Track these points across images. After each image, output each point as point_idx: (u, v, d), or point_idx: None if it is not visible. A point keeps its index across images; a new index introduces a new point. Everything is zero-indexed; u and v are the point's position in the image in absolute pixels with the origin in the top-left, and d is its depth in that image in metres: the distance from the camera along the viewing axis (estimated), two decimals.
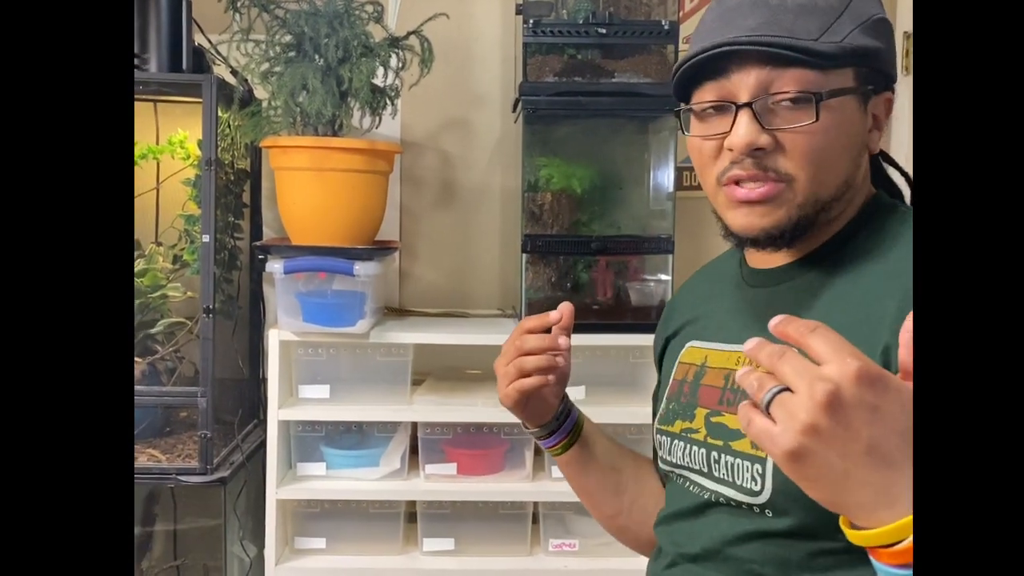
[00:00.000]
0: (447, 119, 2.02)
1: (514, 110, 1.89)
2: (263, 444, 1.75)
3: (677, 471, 0.90)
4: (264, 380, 1.85)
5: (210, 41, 1.79)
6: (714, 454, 0.83)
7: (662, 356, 1.00)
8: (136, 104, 1.86)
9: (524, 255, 1.74)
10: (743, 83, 0.78)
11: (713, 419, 0.84)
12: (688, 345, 0.93)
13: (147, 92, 1.77)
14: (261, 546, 1.75)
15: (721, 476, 0.82)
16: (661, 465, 0.93)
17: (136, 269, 1.73)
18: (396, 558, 1.72)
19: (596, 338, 1.67)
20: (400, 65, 1.73)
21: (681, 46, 1.83)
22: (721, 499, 0.82)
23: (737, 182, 0.80)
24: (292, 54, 1.65)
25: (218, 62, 1.78)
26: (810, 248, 0.84)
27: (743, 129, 0.77)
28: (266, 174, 1.92)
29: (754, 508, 0.79)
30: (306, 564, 1.71)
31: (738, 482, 0.80)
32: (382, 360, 1.73)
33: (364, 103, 1.67)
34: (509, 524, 1.74)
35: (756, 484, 0.78)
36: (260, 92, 1.73)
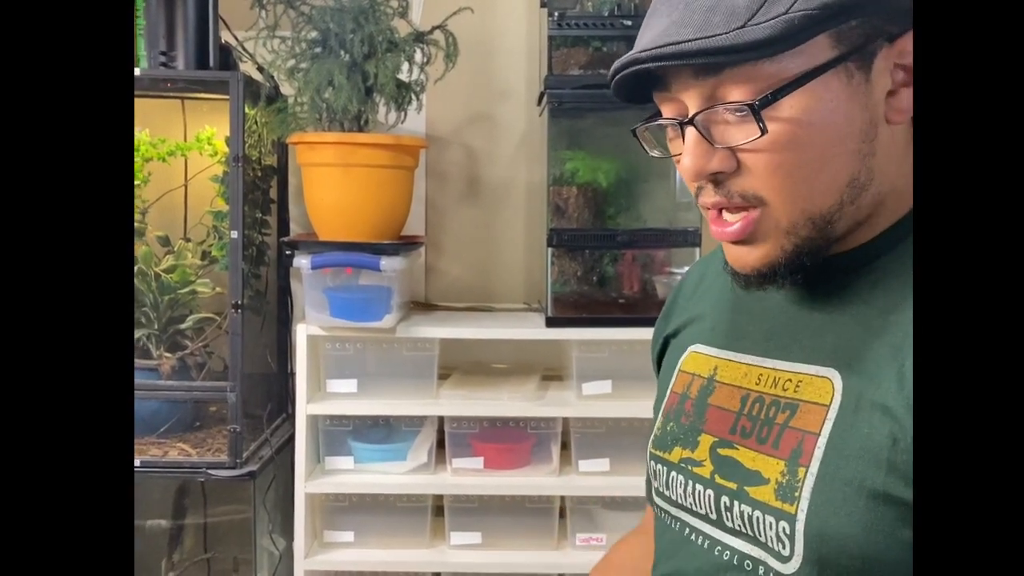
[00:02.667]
0: (472, 113, 2.02)
1: (539, 104, 1.88)
2: (292, 438, 1.77)
3: (676, 512, 0.72)
4: (292, 375, 1.87)
5: (237, 38, 1.80)
6: (725, 499, 0.66)
7: (660, 358, 0.83)
8: (164, 101, 1.88)
9: (549, 249, 1.74)
10: (685, 96, 0.62)
11: (721, 451, 0.67)
12: (691, 350, 0.75)
13: (175, 89, 1.79)
14: (290, 539, 1.76)
15: (735, 527, 0.65)
16: (656, 499, 0.75)
17: (165, 265, 1.75)
18: (423, 552, 1.72)
19: (622, 332, 1.66)
20: (425, 60, 1.73)
21: None
22: (736, 559, 0.65)
23: (720, 210, 0.64)
24: (318, 50, 1.66)
25: (245, 59, 1.79)
26: (857, 242, 0.65)
27: (688, 156, 0.61)
28: (292, 170, 1.94)
29: (774, 574, 0.63)
30: (335, 557, 1.72)
31: (760, 538, 0.63)
32: (408, 354, 1.74)
33: (389, 98, 1.67)
34: (536, 518, 1.74)
35: (784, 547, 0.61)
36: (286, 88, 1.74)
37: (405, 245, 1.72)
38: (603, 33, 1.71)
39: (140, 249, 1.74)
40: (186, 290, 1.74)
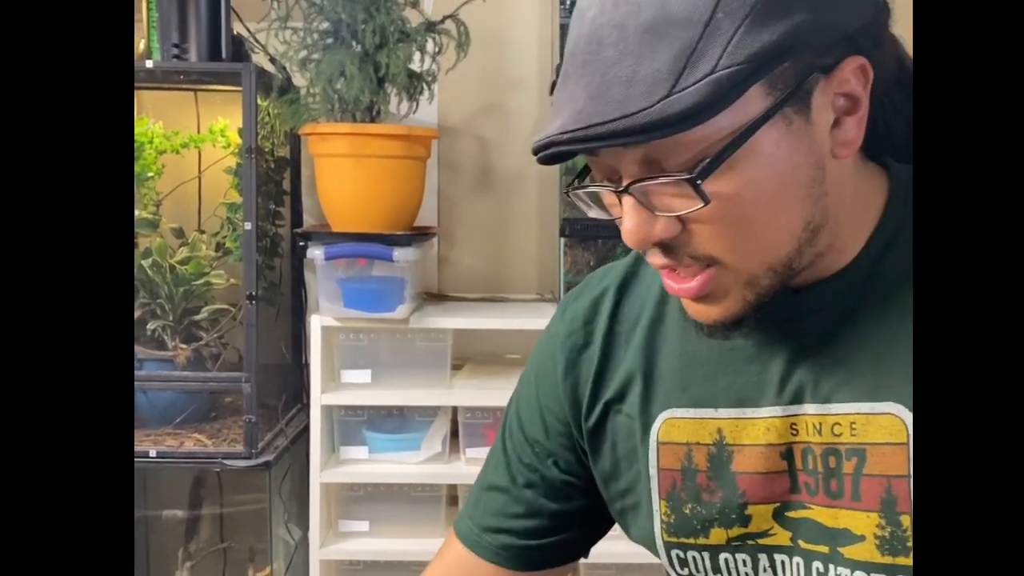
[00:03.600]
0: (484, 104, 2.02)
1: (551, 93, 1.88)
2: (306, 428, 1.78)
3: None
4: (306, 365, 1.88)
5: (248, 29, 1.80)
6: (818, 565, 0.60)
7: (595, 429, 0.70)
8: (177, 93, 1.89)
9: (562, 239, 1.74)
10: (616, 163, 0.56)
11: (791, 514, 0.61)
12: (665, 417, 0.65)
13: (187, 81, 1.79)
14: (306, 529, 1.77)
15: None
16: None
17: (180, 257, 1.76)
18: (438, 541, 1.72)
19: None
20: (437, 50, 1.73)
21: None
22: None
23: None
24: (329, 41, 1.66)
25: (257, 50, 1.79)
26: (826, 271, 0.61)
27: (629, 223, 0.56)
28: (305, 161, 1.94)
29: None
30: (350, 546, 1.73)
31: None
32: (422, 345, 1.74)
33: (401, 89, 1.67)
34: None
35: None
36: (298, 79, 1.74)
37: (418, 236, 1.72)
38: None
39: (155, 241, 1.74)
40: (200, 281, 1.75)
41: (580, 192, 0.59)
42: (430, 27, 1.71)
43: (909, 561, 0.56)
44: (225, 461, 1.66)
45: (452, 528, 0.78)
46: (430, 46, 1.71)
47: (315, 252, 1.65)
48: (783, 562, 0.62)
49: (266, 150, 1.76)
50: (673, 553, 0.66)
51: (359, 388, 1.72)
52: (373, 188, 1.67)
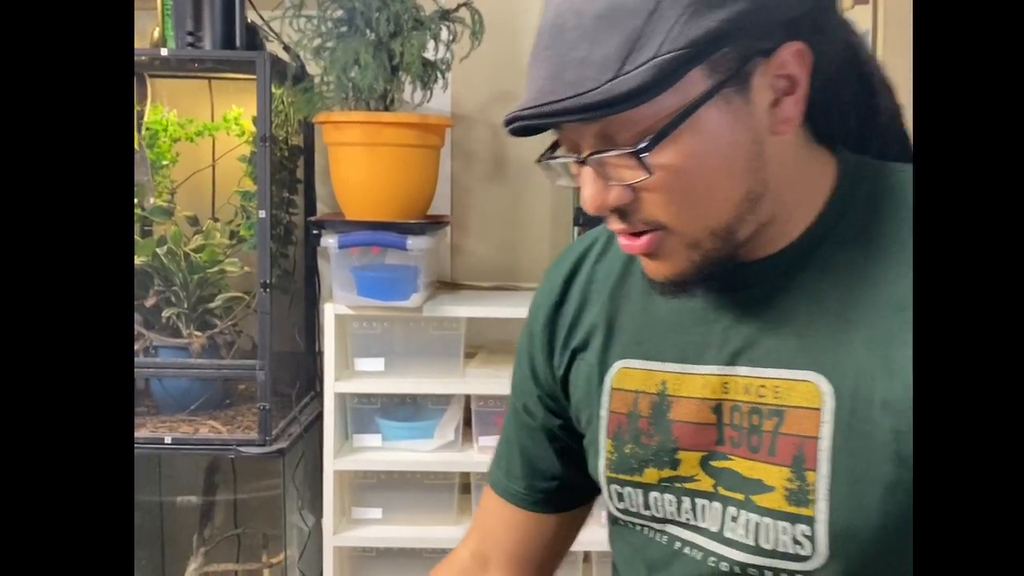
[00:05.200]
0: (498, 91, 2.01)
1: None
2: (320, 416, 1.79)
3: (662, 527, 0.72)
4: (320, 353, 1.88)
5: (262, 18, 1.80)
6: (732, 510, 0.66)
7: (565, 375, 0.77)
8: (191, 82, 1.89)
9: (576, 227, 1.74)
10: (576, 136, 0.62)
11: (715, 463, 0.67)
12: (619, 366, 0.72)
13: (202, 70, 1.79)
14: (319, 516, 1.78)
15: (736, 538, 0.66)
16: (628, 518, 0.74)
17: (194, 245, 1.76)
18: (450, 528, 1.74)
19: None
20: (451, 38, 1.72)
21: None
22: (737, 568, 0.66)
23: None
24: (343, 29, 1.66)
25: (271, 38, 1.79)
26: (775, 245, 0.66)
27: (587, 191, 0.63)
28: (319, 150, 1.94)
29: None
30: (363, 533, 1.74)
31: (766, 547, 0.65)
32: (435, 333, 1.74)
33: (415, 77, 1.67)
34: None
35: (803, 548, 0.63)
36: (312, 68, 1.74)
37: (431, 224, 1.72)
38: None
39: (169, 229, 1.75)
40: (215, 269, 1.76)
41: (549, 162, 0.66)
42: (444, 15, 1.70)
43: (809, 511, 0.62)
44: (239, 448, 1.67)
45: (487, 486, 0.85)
46: (444, 34, 1.71)
47: (329, 240, 1.66)
48: (703, 506, 0.68)
49: (280, 138, 1.76)
50: (612, 488, 0.73)
51: (372, 376, 1.73)
52: (387, 176, 1.67)
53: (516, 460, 0.82)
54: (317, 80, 1.68)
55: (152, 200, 1.76)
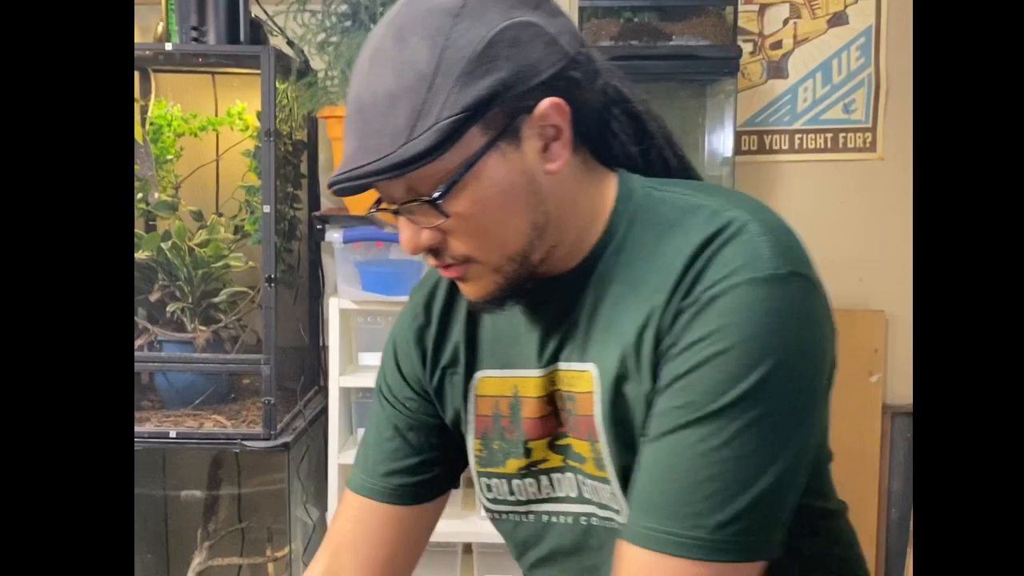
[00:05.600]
0: None
1: None
2: (324, 410, 1.79)
3: (528, 507, 0.83)
4: (325, 348, 1.89)
5: (267, 12, 1.80)
6: (580, 477, 0.79)
7: (438, 388, 0.88)
8: (195, 77, 1.89)
9: None
10: (390, 190, 0.73)
11: (559, 442, 0.80)
12: (480, 376, 0.84)
13: (206, 64, 1.79)
14: (324, 509, 1.79)
15: (589, 497, 0.79)
16: (496, 507, 0.85)
17: (199, 240, 1.77)
18: (455, 522, 1.74)
19: None
20: None
21: (740, 6, 1.79)
22: (596, 520, 0.79)
23: None
24: (348, 24, 1.66)
25: (275, 33, 1.79)
26: (569, 262, 0.78)
27: (403, 236, 0.75)
28: (323, 144, 1.94)
29: (621, 526, 0.75)
30: None
31: (603, 502, 0.77)
32: None
33: None
34: None
35: (616, 503, 0.76)
36: (317, 62, 1.74)
37: None
38: (634, 4, 1.69)
39: (174, 224, 1.75)
40: (219, 264, 1.76)
41: (376, 213, 0.78)
42: None
43: (606, 474, 0.75)
44: (244, 442, 1.68)
45: (346, 489, 0.92)
46: None
47: (333, 235, 1.66)
48: (559, 479, 0.80)
49: (284, 133, 1.76)
50: (483, 481, 0.85)
51: (376, 370, 1.72)
52: None
53: (381, 457, 0.90)
54: (321, 75, 1.68)
55: (156, 195, 1.77)
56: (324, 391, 1.90)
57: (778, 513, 0.67)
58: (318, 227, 1.77)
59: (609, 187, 0.78)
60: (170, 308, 1.75)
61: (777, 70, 2.06)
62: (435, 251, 0.74)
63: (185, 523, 2.01)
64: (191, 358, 1.74)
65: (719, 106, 1.82)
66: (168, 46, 1.65)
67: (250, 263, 1.78)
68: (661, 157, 0.82)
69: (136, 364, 1.73)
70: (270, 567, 1.89)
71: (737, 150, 1.90)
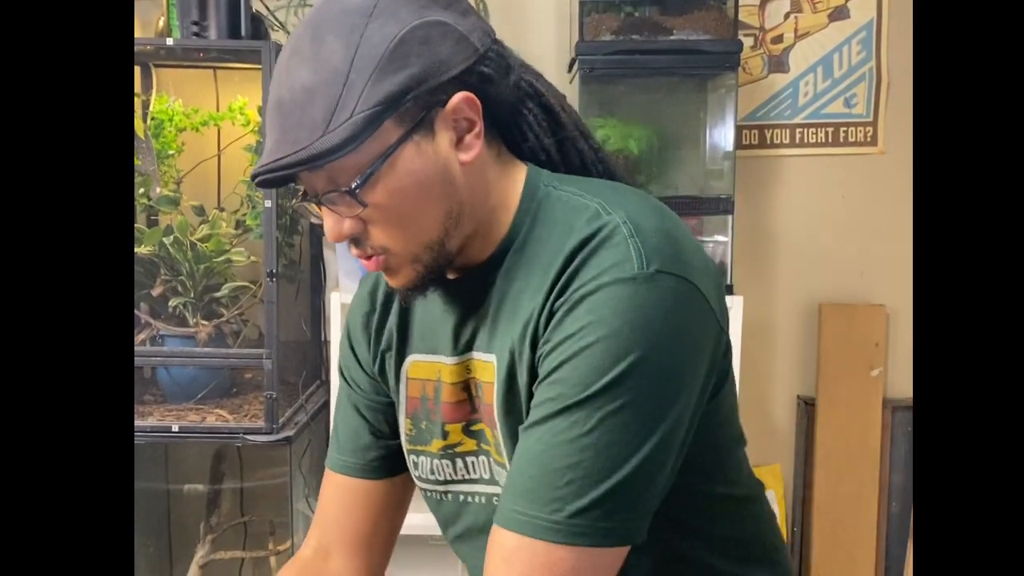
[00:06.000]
0: None
1: (569, 70, 1.87)
2: (326, 404, 1.80)
3: (447, 487, 0.88)
4: (326, 342, 1.89)
5: (268, 7, 1.80)
6: (490, 461, 0.84)
7: (379, 370, 0.93)
8: (196, 71, 1.90)
9: None
10: (313, 181, 0.77)
11: (473, 427, 0.84)
12: (411, 360, 0.89)
13: (207, 59, 1.80)
14: None
15: (499, 480, 0.83)
16: (422, 484, 0.91)
17: (200, 235, 1.77)
18: None
19: None
20: None
21: (741, 1, 1.79)
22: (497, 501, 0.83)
23: None
24: None
25: (276, 28, 1.80)
26: (484, 253, 0.82)
27: (327, 224, 0.78)
28: None
29: None
30: None
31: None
32: None
33: None
34: None
35: None
36: None
37: None
38: None
39: (176, 219, 1.76)
40: (221, 259, 1.77)
41: (303, 204, 0.81)
42: None
43: (504, 460, 0.79)
44: (246, 436, 1.68)
45: (326, 468, 0.98)
46: None
47: None
48: (472, 462, 0.85)
49: None
50: (411, 458, 0.90)
51: None
52: None
53: (348, 435, 0.95)
54: None
55: (158, 190, 1.77)
56: (326, 385, 1.91)
57: (641, 500, 0.71)
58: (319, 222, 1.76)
59: (518, 181, 0.82)
60: (172, 303, 1.75)
61: (778, 64, 2.06)
62: (356, 241, 0.78)
63: (188, 516, 2.02)
64: (193, 352, 1.75)
65: (720, 101, 1.82)
66: (169, 41, 1.65)
67: (252, 258, 1.78)
68: (576, 148, 0.85)
69: (138, 359, 1.74)
70: (273, 560, 1.90)
71: (738, 144, 1.89)
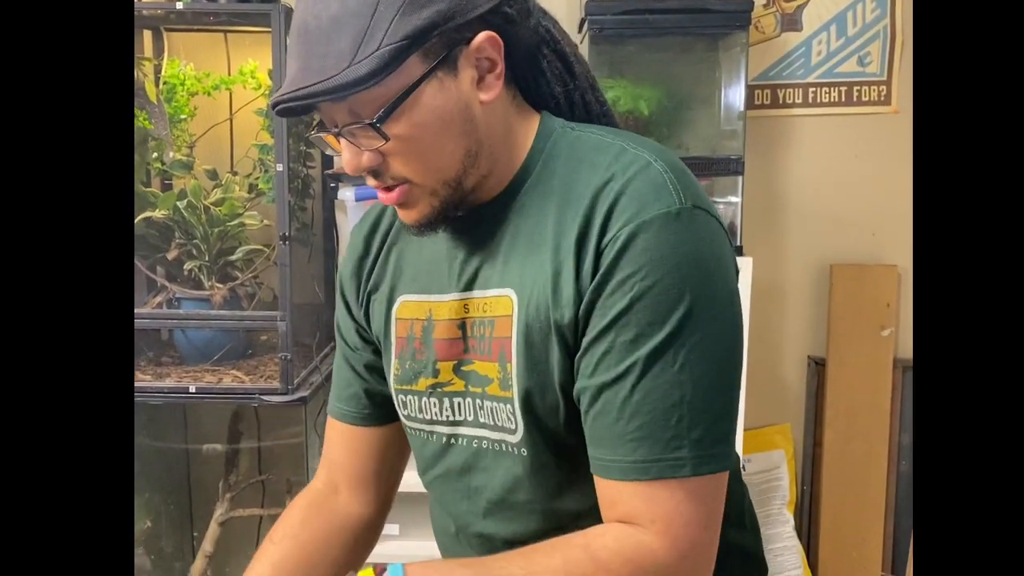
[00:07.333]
0: None
1: (579, 31, 1.86)
2: None
3: (432, 427, 0.89)
4: None
5: None
6: (479, 402, 0.85)
7: (365, 312, 0.95)
8: (207, 35, 1.90)
9: None
10: (330, 114, 0.78)
11: (464, 368, 0.85)
12: (401, 300, 0.90)
13: (217, 23, 1.80)
14: None
15: (485, 421, 0.84)
16: (409, 423, 0.92)
17: (213, 199, 1.79)
18: None
19: None
20: None
21: None
22: (487, 444, 0.85)
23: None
24: None
25: None
26: (495, 192, 0.83)
27: (344, 157, 0.79)
28: None
29: (511, 447, 0.83)
30: None
31: (498, 424, 0.83)
32: None
33: None
34: None
35: (511, 423, 0.82)
36: None
37: None
38: None
39: (189, 183, 1.77)
40: (235, 223, 1.78)
41: (319, 135, 0.81)
42: None
43: (510, 394, 0.81)
44: (262, 397, 1.71)
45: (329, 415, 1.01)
46: None
47: (346, 193, 1.67)
48: (459, 403, 0.86)
49: None
50: (399, 398, 0.91)
51: None
52: None
53: (345, 385, 0.98)
54: None
55: (171, 154, 1.78)
56: None
57: (734, 422, 0.76)
58: (331, 185, 1.78)
59: (532, 124, 0.83)
60: (187, 266, 1.78)
61: (791, 22, 2.04)
62: (375, 172, 0.79)
63: (207, 476, 2.06)
64: (209, 315, 1.77)
65: (733, 60, 1.80)
66: (179, 5, 1.66)
67: (265, 221, 1.80)
68: (584, 100, 0.87)
69: (155, 321, 1.76)
70: None
71: (750, 104, 1.89)
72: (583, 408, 0.77)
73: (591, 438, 0.77)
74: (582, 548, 0.75)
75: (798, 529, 2.12)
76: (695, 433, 0.72)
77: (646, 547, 0.73)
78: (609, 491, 0.76)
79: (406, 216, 0.82)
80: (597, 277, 0.74)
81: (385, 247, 0.93)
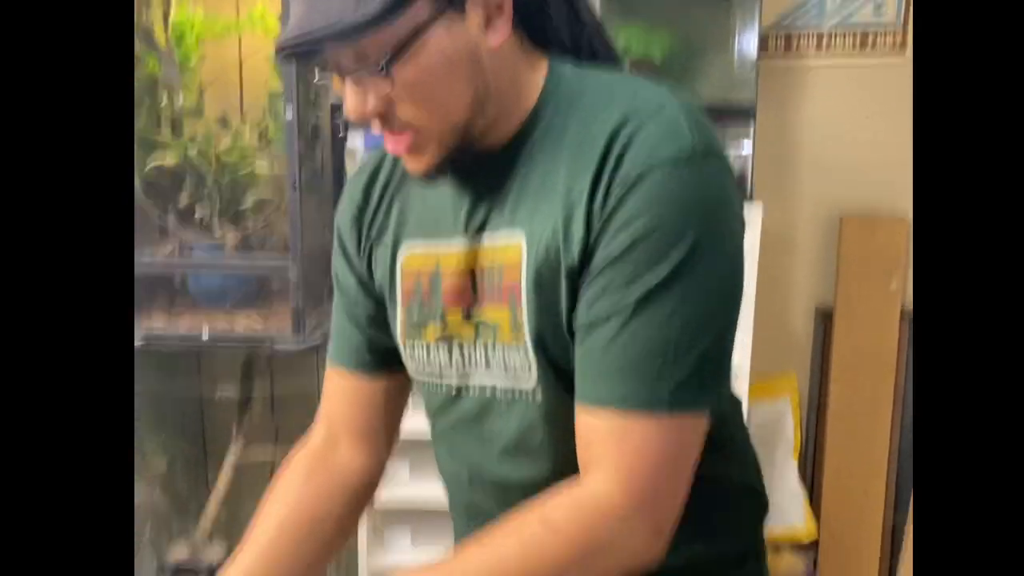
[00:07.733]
0: None
1: None
2: None
3: (440, 380, 0.89)
4: None
5: None
6: (490, 348, 0.84)
7: (368, 262, 0.94)
8: None
9: None
10: (338, 57, 0.76)
11: (473, 316, 0.84)
12: (406, 250, 0.89)
13: None
14: None
15: (497, 369, 0.84)
16: (419, 375, 0.91)
17: (224, 147, 1.79)
18: None
19: None
20: None
21: None
22: (500, 393, 0.84)
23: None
24: None
25: None
26: (503, 139, 0.82)
27: (349, 102, 0.77)
28: None
29: (525, 394, 0.83)
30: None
31: (511, 371, 0.83)
32: None
33: None
34: None
35: (525, 369, 0.81)
36: None
37: None
38: None
39: (199, 129, 1.77)
40: (246, 171, 1.78)
41: (321, 83, 0.79)
42: None
43: (522, 340, 0.80)
44: (274, 344, 1.73)
45: (327, 365, 1.00)
46: None
47: (355, 141, 1.67)
48: (468, 353, 0.85)
49: None
50: (407, 350, 0.90)
51: None
52: None
53: (346, 338, 0.97)
54: None
55: (181, 100, 1.78)
56: None
57: (726, 365, 0.77)
58: (339, 136, 1.77)
59: (540, 69, 0.82)
60: (198, 213, 1.78)
61: None
62: (383, 118, 0.78)
63: (220, 421, 2.10)
64: (220, 262, 1.78)
65: (747, 5, 1.78)
66: None
67: (275, 169, 1.80)
68: (590, 45, 0.86)
69: (167, 267, 1.78)
70: None
71: (763, 52, 1.86)
72: (576, 343, 0.77)
73: (579, 372, 0.77)
74: (538, 519, 0.75)
75: (802, 476, 2.15)
76: (680, 374, 0.72)
77: (602, 496, 0.73)
78: (585, 429, 0.76)
79: (414, 163, 0.81)
80: (603, 216, 0.73)
81: (387, 196, 0.92)
